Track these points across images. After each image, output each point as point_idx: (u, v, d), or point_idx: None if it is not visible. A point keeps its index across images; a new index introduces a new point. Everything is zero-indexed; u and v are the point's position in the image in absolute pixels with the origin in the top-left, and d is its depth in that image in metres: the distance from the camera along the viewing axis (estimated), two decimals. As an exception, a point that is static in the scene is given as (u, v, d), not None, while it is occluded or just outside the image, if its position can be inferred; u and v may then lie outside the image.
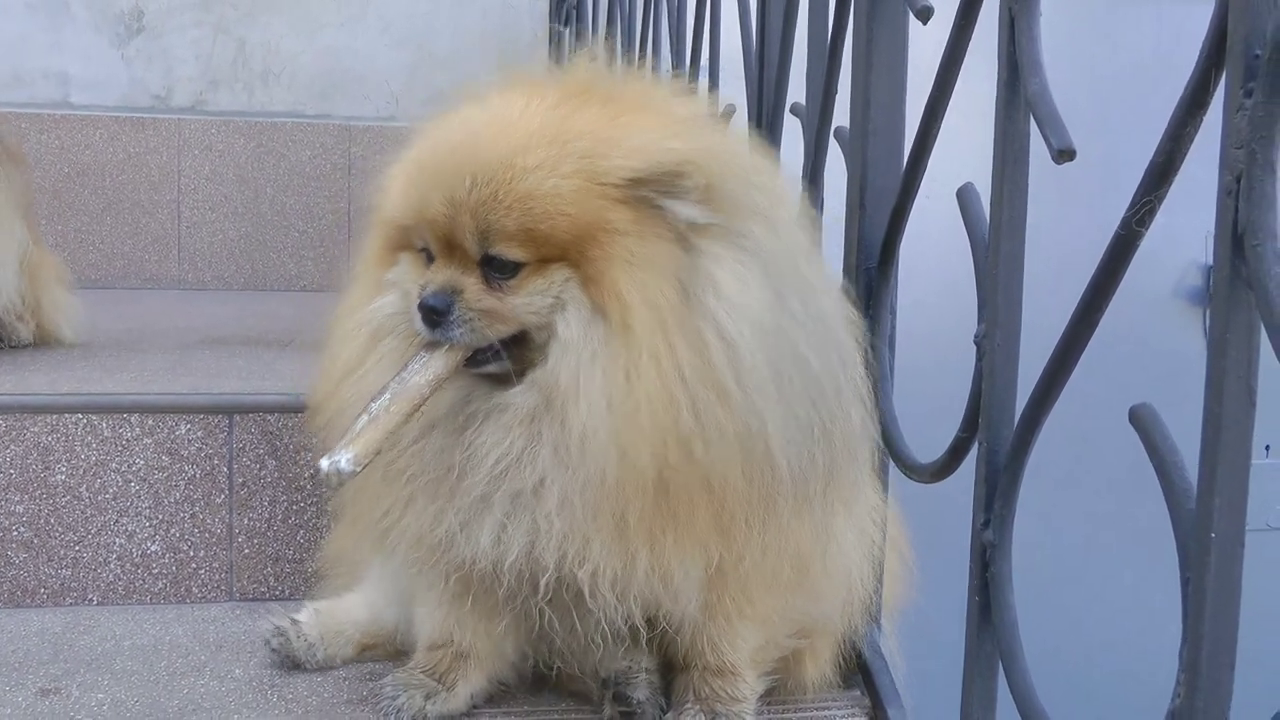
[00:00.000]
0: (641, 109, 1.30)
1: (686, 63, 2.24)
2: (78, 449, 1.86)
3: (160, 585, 1.89)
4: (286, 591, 1.91)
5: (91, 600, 1.87)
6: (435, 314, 1.25)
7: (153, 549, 1.88)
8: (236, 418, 1.90)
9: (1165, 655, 0.97)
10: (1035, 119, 1.09)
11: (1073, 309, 1.06)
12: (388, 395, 1.25)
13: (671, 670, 1.47)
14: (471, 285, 1.26)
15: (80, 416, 1.86)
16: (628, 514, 1.23)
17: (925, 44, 1.44)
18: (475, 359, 1.28)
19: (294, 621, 1.59)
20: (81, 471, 1.86)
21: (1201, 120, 0.91)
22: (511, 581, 1.30)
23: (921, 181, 1.39)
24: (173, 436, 1.89)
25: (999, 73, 1.16)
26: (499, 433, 1.26)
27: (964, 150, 1.50)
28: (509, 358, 1.27)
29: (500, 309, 1.25)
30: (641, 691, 1.42)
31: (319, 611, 1.62)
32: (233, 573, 1.91)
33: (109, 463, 1.87)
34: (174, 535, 1.89)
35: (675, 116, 1.31)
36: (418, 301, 1.27)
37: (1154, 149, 0.94)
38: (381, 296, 1.37)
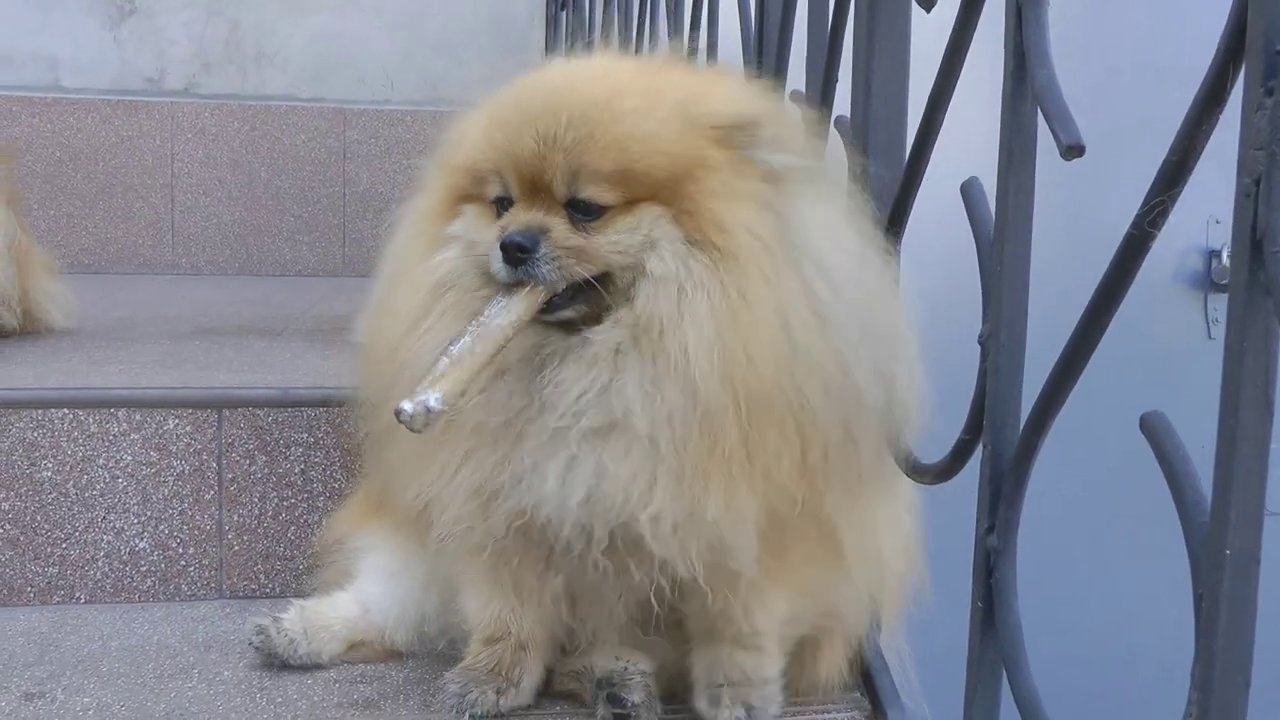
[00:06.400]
0: (721, 75, 1.41)
1: (685, 48, 2.18)
2: (64, 444, 1.82)
3: (149, 583, 1.86)
4: (277, 589, 1.87)
5: (79, 599, 1.84)
6: (521, 251, 1.25)
7: (141, 546, 1.85)
8: (225, 412, 1.87)
9: (1176, 666, 0.94)
10: (1043, 113, 1.05)
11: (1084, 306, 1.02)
12: (467, 338, 1.24)
13: (664, 671, 1.45)
14: (558, 225, 1.27)
15: (67, 411, 1.82)
16: (715, 449, 1.22)
17: (932, 31, 1.39)
18: (552, 305, 1.28)
19: (275, 619, 1.57)
20: (68, 467, 1.83)
21: (1219, 117, 0.87)
22: (568, 533, 1.28)
23: (924, 174, 1.35)
24: (161, 431, 1.85)
25: (1005, 63, 1.11)
26: (581, 368, 1.26)
27: (975, 140, 1.45)
28: (584, 303, 1.28)
29: (587, 248, 1.27)
30: (637, 694, 1.39)
31: (305, 608, 1.60)
32: (222, 570, 1.87)
33: (96, 458, 1.83)
34: (163, 532, 1.86)
35: (750, 82, 1.40)
36: (499, 241, 1.27)
37: (1167, 145, 0.90)
38: (441, 251, 1.36)
